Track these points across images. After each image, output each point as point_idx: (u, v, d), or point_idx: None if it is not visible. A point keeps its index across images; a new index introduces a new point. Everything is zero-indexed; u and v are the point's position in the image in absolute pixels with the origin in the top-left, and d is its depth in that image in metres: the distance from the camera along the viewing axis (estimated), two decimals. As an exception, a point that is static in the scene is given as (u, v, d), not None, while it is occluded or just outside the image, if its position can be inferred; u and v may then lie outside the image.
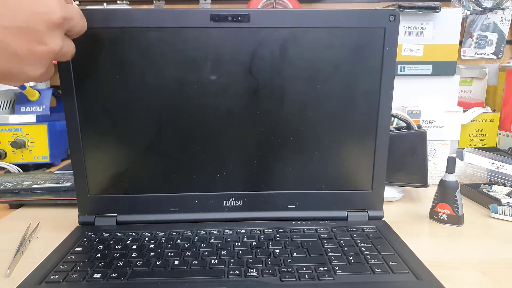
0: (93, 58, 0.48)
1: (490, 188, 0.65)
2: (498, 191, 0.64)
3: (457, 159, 0.66)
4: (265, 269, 0.40)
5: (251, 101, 0.50)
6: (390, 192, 0.63)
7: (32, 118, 0.85)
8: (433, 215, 0.56)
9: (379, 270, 0.40)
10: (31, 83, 0.96)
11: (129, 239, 0.47)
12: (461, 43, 1.06)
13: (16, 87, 0.87)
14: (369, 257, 0.43)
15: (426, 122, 0.83)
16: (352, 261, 0.42)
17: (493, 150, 0.80)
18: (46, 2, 0.34)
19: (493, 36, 1.05)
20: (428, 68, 0.86)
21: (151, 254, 0.44)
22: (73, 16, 0.37)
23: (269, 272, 0.40)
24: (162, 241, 0.47)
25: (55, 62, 0.40)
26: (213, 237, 0.48)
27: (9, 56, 0.34)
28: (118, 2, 1.02)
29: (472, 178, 0.72)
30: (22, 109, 0.90)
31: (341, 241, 0.47)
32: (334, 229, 0.50)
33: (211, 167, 0.52)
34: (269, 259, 0.42)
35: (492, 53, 1.07)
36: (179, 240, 0.47)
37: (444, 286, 0.38)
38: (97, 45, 0.47)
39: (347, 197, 0.53)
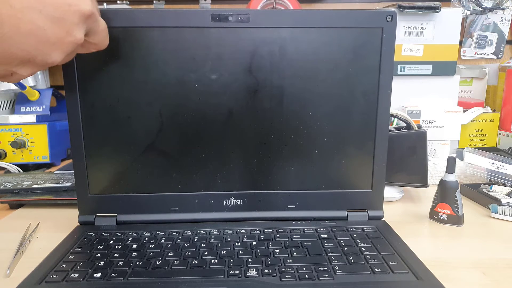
0: (96, 58, 0.48)
1: (490, 188, 0.65)
2: (498, 191, 0.64)
3: (457, 159, 0.66)
4: (265, 269, 0.40)
5: (251, 101, 0.50)
6: (390, 192, 0.64)
7: (32, 118, 0.85)
8: (433, 215, 0.56)
9: (379, 270, 0.40)
10: (31, 83, 0.96)
11: (129, 239, 0.47)
12: (461, 43, 1.06)
13: (16, 87, 0.87)
14: (369, 257, 0.43)
15: (426, 122, 0.83)
16: (352, 261, 0.42)
17: (493, 150, 0.80)
18: None
19: (493, 36, 1.06)
20: (428, 68, 0.86)
21: (151, 254, 0.44)
22: (99, 20, 0.40)
23: (269, 272, 0.40)
24: (162, 241, 0.47)
25: None
26: (213, 237, 0.48)
27: (42, 43, 0.35)
28: (118, 2, 1.02)
29: (472, 178, 0.72)
30: (22, 109, 0.90)
31: (341, 241, 0.47)
32: (334, 229, 0.50)
33: (211, 167, 0.52)
34: (269, 259, 0.42)
35: (492, 53, 1.07)
36: (179, 240, 0.47)
37: (444, 286, 0.38)
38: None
39: (347, 197, 0.53)
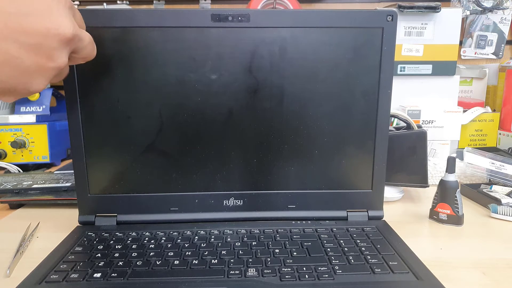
0: (96, 58, 0.48)
1: (490, 188, 0.65)
2: (498, 191, 0.64)
3: (457, 159, 0.66)
4: (265, 269, 0.40)
5: (251, 101, 0.50)
6: (390, 192, 0.63)
7: (32, 118, 0.85)
8: (433, 215, 0.56)
9: (379, 270, 0.40)
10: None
11: (129, 239, 0.47)
12: (461, 43, 1.06)
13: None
14: (369, 257, 0.43)
15: (426, 122, 0.83)
16: (352, 261, 0.42)
17: (493, 150, 0.80)
18: (59, 20, 0.34)
19: (493, 36, 1.06)
20: (428, 68, 0.86)
21: (151, 254, 0.44)
22: (82, 37, 0.38)
23: (269, 272, 0.40)
24: (162, 241, 0.47)
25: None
26: (213, 237, 0.48)
27: (21, 73, 0.34)
28: (118, 2, 1.02)
29: (472, 178, 0.72)
30: (22, 109, 0.90)
31: (341, 241, 0.47)
32: (334, 229, 0.50)
33: (211, 167, 0.52)
34: (269, 259, 0.42)
35: (492, 53, 1.07)
36: (179, 240, 0.47)
37: (444, 286, 0.38)
38: (99, 45, 0.47)
39: (347, 197, 0.53)
